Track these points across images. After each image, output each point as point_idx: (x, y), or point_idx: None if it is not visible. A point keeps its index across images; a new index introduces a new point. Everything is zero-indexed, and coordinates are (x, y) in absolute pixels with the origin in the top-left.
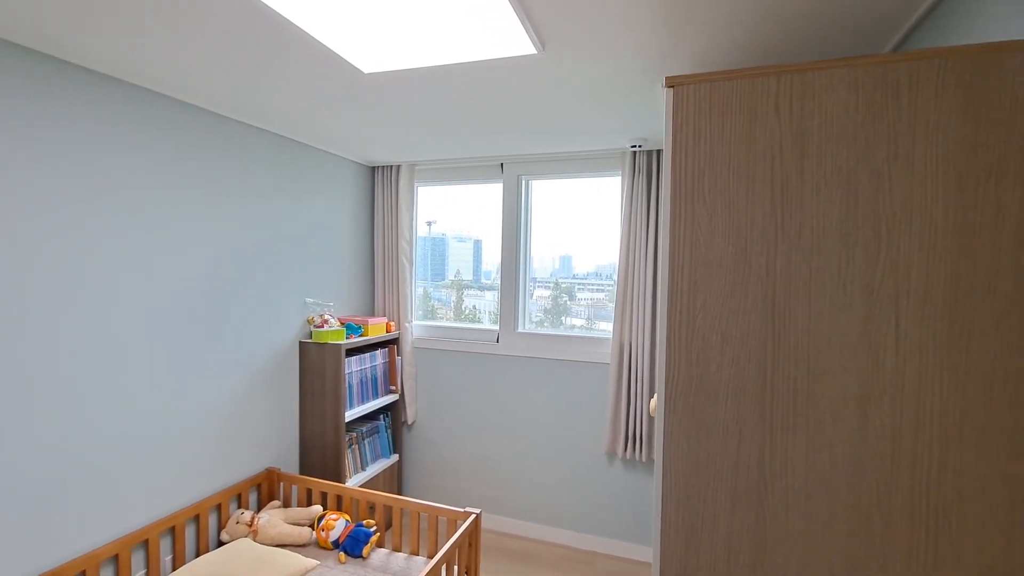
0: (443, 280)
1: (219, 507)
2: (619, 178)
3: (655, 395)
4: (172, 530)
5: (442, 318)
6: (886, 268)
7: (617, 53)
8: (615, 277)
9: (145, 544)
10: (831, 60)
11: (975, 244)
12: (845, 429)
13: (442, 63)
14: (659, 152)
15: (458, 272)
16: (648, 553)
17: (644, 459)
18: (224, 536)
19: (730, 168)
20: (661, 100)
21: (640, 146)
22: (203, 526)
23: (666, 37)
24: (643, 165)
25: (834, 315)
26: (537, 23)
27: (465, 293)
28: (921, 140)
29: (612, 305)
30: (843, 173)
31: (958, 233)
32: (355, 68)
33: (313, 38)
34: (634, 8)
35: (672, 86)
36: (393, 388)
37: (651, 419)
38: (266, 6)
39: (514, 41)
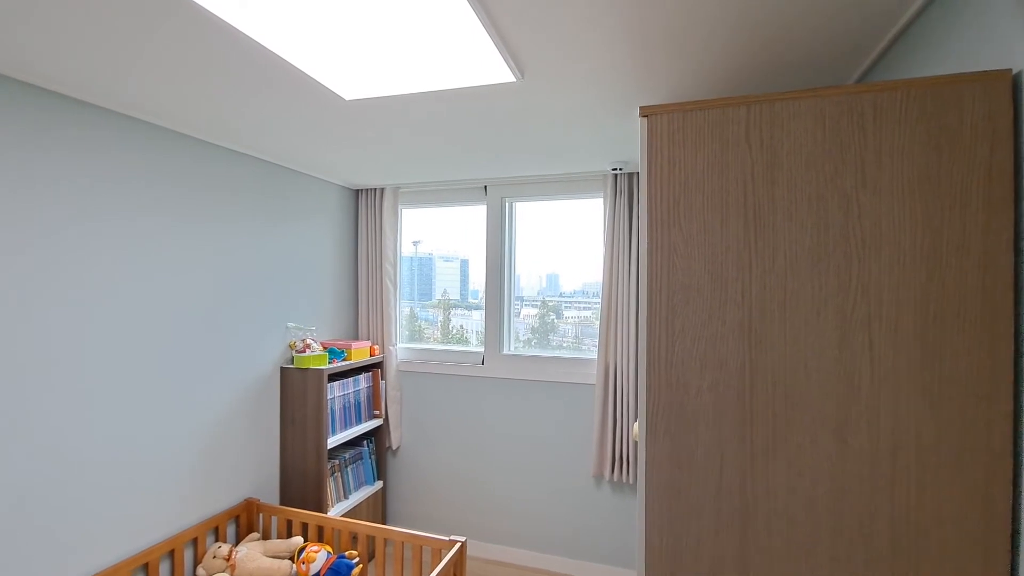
0: (430, 300)
1: (195, 541)
2: (601, 199)
3: (638, 420)
4: (145, 567)
5: (429, 338)
6: (858, 293)
7: (595, 80)
8: (600, 297)
9: None
10: (798, 91)
11: (943, 269)
12: (824, 453)
13: (422, 90)
14: (639, 175)
15: (445, 292)
16: None
17: (631, 481)
18: (200, 572)
19: (704, 195)
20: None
21: (621, 169)
22: (178, 561)
23: (643, 65)
24: (624, 187)
25: (809, 339)
26: (515, 52)
27: (452, 313)
28: (887, 168)
29: (599, 324)
30: (813, 199)
31: (926, 258)
32: (336, 95)
33: (294, 66)
34: (611, 37)
35: (646, 115)
36: (377, 413)
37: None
38: (246, 36)
39: (493, 69)
